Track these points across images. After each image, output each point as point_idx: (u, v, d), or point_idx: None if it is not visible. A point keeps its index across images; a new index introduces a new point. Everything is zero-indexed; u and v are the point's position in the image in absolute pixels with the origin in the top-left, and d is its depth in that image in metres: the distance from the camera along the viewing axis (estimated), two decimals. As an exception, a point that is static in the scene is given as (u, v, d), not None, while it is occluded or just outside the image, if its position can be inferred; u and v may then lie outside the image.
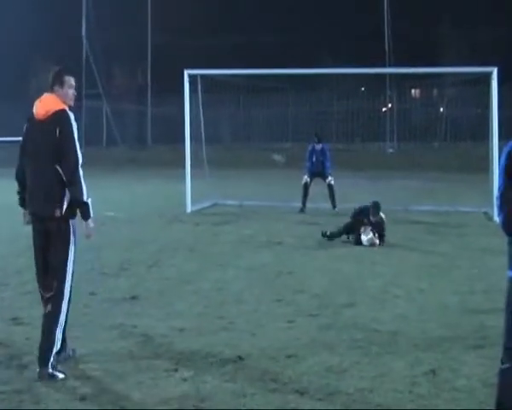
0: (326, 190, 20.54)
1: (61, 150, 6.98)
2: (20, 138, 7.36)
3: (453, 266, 12.71)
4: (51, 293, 7.03)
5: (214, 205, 22.06)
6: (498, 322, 8.79)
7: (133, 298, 10.29)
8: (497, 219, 18.40)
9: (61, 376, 6.89)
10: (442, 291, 10.76)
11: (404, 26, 51.74)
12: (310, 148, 21.09)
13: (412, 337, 8.33)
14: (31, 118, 7.21)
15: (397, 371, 7.20)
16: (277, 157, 39.14)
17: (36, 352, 7.04)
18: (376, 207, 15.26)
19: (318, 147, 20.79)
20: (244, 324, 8.92)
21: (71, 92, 7.31)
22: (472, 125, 40.35)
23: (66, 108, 7.14)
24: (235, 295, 10.49)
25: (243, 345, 8.03)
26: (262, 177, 32.33)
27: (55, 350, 6.97)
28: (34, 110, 7.17)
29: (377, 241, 14.84)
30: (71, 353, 7.48)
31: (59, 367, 7.00)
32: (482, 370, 7.15)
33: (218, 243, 15.36)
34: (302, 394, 6.61)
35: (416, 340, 8.23)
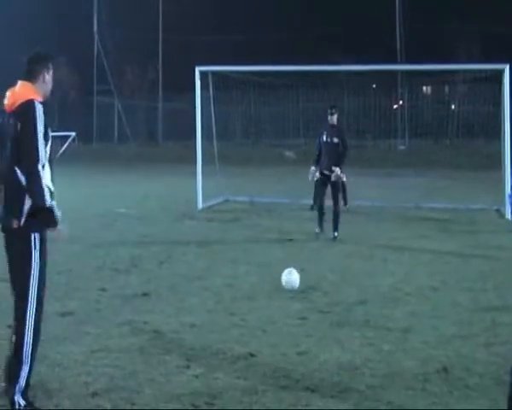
0: None
1: (19, 148, 5.96)
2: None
3: (465, 264, 12.67)
4: (15, 321, 6.15)
5: (225, 201, 22.07)
6: (510, 319, 8.81)
7: (144, 294, 10.28)
8: (508, 216, 18.41)
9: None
10: (454, 289, 10.72)
11: (416, 23, 51.59)
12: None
13: (424, 335, 8.30)
14: (3, 111, 6.22)
15: (409, 368, 7.18)
16: (288, 154, 39.17)
17: (43, 348, 7.00)
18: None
19: None
20: (255, 320, 8.91)
21: (51, 84, 6.39)
22: (484, 123, 40.23)
23: (36, 99, 6.06)
24: (247, 292, 10.48)
25: (254, 342, 8.02)
26: (273, 173, 32.34)
27: (18, 388, 6.03)
28: (5, 101, 6.19)
29: (341, 174, 15.10)
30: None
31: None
32: (494, 367, 7.11)
33: (229, 240, 15.36)
34: (313, 391, 6.59)
35: (427, 337, 8.20)
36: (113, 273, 11.77)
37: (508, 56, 21.32)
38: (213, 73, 22.53)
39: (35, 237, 6.01)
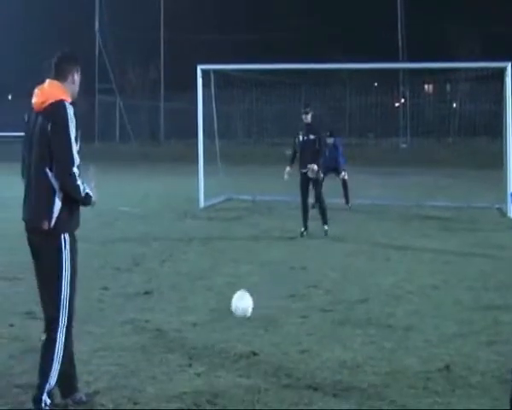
0: (340, 186, 20.46)
1: (51, 150, 5.84)
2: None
3: (467, 263, 12.67)
4: (47, 319, 6.04)
5: (227, 200, 22.07)
6: (513, 318, 8.81)
7: (146, 293, 10.29)
8: (510, 215, 18.40)
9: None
10: (456, 287, 10.72)
11: (418, 21, 51.55)
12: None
13: (426, 333, 8.31)
14: (30, 109, 6.11)
15: (411, 367, 7.18)
16: (288, 152, 39.12)
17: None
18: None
19: (330, 141, 20.67)
20: (257, 319, 8.90)
21: (78, 86, 6.25)
22: (486, 121, 40.23)
23: (66, 100, 5.95)
24: (249, 291, 10.44)
25: (256, 340, 8.03)
26: (275, 172, 32.27)
27: (48, 387, 5.94)
28: (33, 99, 6.05)
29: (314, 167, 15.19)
30: (83, 398, 6.28)
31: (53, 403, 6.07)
32: (496, 366, 7.12)
33: (231, 239, 15.37)
34: (316, 389, 6.60)
35: (429, 336, 8.20)
36: (115, 272, 11.79)
37: (510, 54, 21.30)
38: (215, 71, 22.53)
39: (65, 238, 5.96)
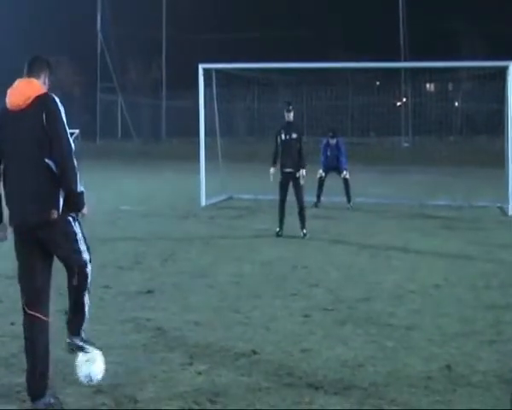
0: (341, 185, 20.46)
1: (50, 139, 5.93)
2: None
3: (468, 262, 12.66)
4: (72, 277, 6.18)
5: (229, 199, 22.08)
6: (514, 317, 8.80)
7: (148, 292, 10.29)
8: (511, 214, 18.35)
9: (91, 349, 6.38)
10: (457, 286, 10.72)
11: (420, 20, 51.56)
12: (324, 142, 21.00)
13: (427, 332, 8.31)
14: (3, 112, 6.12)
15: (412, 366, 7.18)
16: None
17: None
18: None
19: (333, 141, 20.69)
20: (259, 318, 8.92)
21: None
22: (487, 120, 40.23)
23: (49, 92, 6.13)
24: (251, 290, 10.48)
25: (258, 339, 8.03)
26: (277, 171, 32.27)
27: (85, 321, 6.42)
28: (8, 101, 6.09)
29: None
30: (51, 400, 6.18)
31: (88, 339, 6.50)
32: (498, 365, 7.12)
33: (233, 237, 15.37)
34: (317, 388, 6.60)
35: (431, 335, 8.20)
36: (116, 270, 11.80)
37: (511, 54, 21.30)
38: (217, 70, 22.54)
39: (72, 218, 6.11)
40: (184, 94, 47.93)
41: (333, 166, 20.58)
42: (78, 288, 6.23)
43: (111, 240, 14.67)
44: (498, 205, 19.59)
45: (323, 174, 20.51)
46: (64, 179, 5.97)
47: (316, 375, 6.93)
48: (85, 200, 6.15)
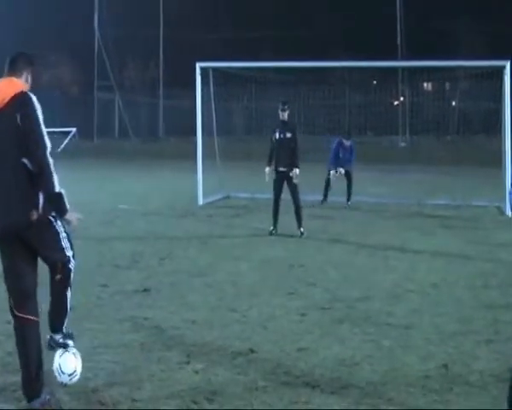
0: (342, 183, 20.44)
1: (25, 139, 5.85)
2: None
3: (466, 261, 12.67)
4: (55, 273, 6.15)
5: (226, 198, 22.07)
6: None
7: (145, 290, 10.28)
8: (509, 213, 18.40)
9: (71, 344, 6.39)
10: (455, 286, 10.72)
11: (417, 19, 51.58)
12: (337, 141, 20.88)
13: (425, 332, 8.31)
14: None
15: (409, 365, 7.18)
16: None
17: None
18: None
19: (347, 143, 20.66)
20: (256, 316, 8.92)
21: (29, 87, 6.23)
22: (485, 119, 40.21)
23: (26, 90, 6.05)
24: (248, 288, 10.48)
25: (255, 338, 8.03)
26: (272, 170, 32.24)
27: (67, 317, 6.42)
28: None
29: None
30: (47, 397, 6.16)
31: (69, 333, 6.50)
32: (495, 365, 7.11)
33: (230, 236, 15.36)
34: (314, 387, 6.59)
35: (428, 334, 8.20)
36: (114, 269, 11.78)
37: (509, 53, 21.30)
38: (214, 69, 22.53)
39: (54, 217, 6.04)
40: (182, 93, 47.95)
41: (342, 167, 20.49)
42: (60, 284, 6.20)
43: (108, 239, 14.66)
44: (496, 204, 19.59)
45: (335, 172, 20.37)
46: (41, 180, 5.90)
47: (313, 374, 6.92)
48: (69, 204, 6.04)
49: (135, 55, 62.91)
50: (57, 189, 5.91)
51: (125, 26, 56.26)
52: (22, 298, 6.15)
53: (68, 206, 6.02)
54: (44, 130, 5.93)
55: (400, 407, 6.19)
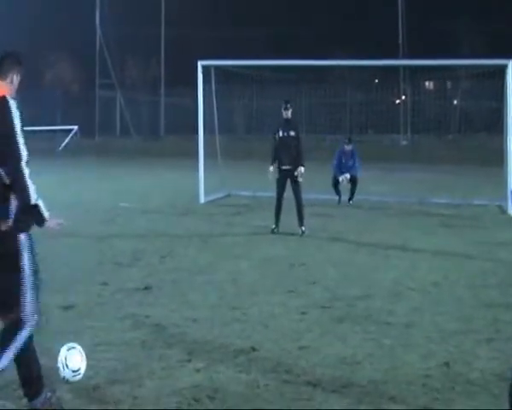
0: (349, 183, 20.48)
1: (0, 147, 5.63)
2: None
3: (467, 260, 12.66)
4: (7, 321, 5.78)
5: (227, 196, 22.06)
6: (513, 316, 8.81)
7: (146, 288, 10.28)
8: (510, 212, 18.39)
9: None
10: (456, 284, 10.71)
11: (418, 18, 51.57)
12: (339, 148, 21.00)
13: (426, 330, 8.31)
14: None
15: (410, 363, 7.18)
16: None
17: (45, 341, 7.01)
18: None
19: (348, 148, 20.71)
20: (257, 315, 8.92)
21: (16, 88, 6.03)
22: (486, 118, 40.28)
23: (6, 95, 5.75)
24: (249, 287, 10.48)
25: (256, 336, 8.03)
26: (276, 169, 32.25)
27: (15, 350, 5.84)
28: None
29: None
30: (48, 394, 6.04)
31: None
32: (496, 363, 7.12)
33: (231, 235, 15.36)
34: (315, 385, 6.59)
35: (429, 333, 8.20)
36: (115, 267, 11.79)
37: (509, 53, 21.29)
38: (216, 67, 22.54)
39: (23, 237, 5.74)
40: (183, 91, 47.93)
41: (347, 172, 20.51)
42: (6, 335, 5.80)
43: (109, 237, 14.66)
44: (497, 203, 19.58)
45: (341, 179, 20.43)
46: (15, 190, 5.65)
47: (314, 372, 6.92)
48: (46, 213, 5.74)
49: (136, 53, 62.95)
50: (33, 200, 5.63)
51: (127, 24, 56.25)
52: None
53: (47, 214, 5.75)
54: (21, 138, 5.67)
55: (401, 406, 6.20)
